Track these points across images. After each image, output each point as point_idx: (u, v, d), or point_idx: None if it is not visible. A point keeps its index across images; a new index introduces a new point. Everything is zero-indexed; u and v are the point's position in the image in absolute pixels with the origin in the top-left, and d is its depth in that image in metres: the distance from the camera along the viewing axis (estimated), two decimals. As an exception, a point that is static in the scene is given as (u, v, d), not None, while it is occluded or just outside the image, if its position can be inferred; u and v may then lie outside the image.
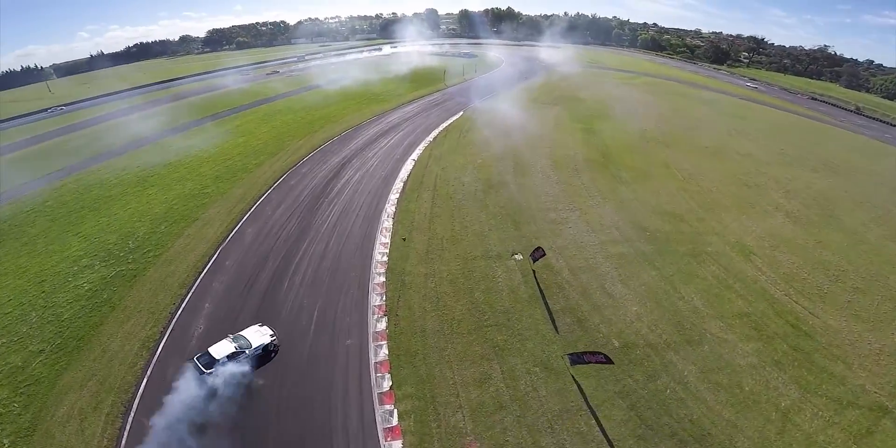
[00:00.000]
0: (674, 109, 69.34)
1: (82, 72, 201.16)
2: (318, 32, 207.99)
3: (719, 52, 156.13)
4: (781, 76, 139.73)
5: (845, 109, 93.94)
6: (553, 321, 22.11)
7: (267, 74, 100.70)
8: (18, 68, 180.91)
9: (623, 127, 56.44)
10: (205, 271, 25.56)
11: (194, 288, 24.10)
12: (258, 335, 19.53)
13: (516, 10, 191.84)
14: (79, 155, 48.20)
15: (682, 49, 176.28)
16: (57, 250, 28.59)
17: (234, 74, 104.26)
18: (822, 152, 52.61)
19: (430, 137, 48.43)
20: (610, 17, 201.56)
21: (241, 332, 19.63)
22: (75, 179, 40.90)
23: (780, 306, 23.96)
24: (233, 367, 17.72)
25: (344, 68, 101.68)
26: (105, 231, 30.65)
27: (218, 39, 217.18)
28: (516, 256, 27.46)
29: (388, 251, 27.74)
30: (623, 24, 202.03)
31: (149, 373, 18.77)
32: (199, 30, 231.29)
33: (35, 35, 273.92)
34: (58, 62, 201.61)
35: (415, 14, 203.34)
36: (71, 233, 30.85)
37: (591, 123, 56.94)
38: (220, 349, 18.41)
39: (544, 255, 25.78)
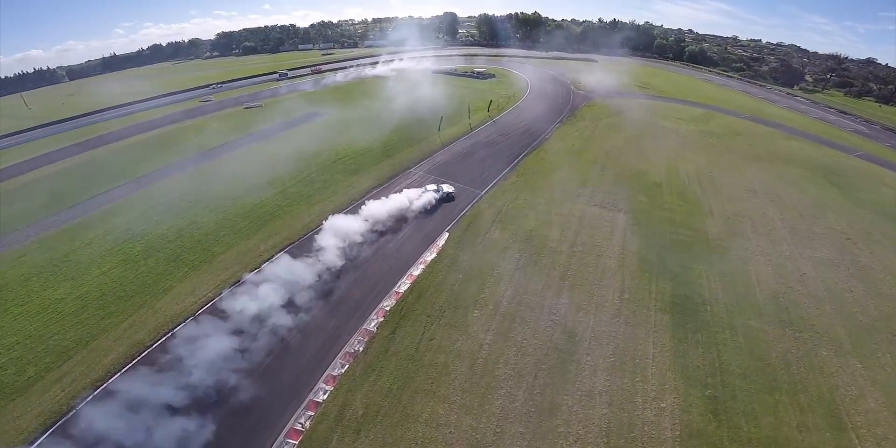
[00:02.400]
0: (801, 212, 38.74)
1: (94, 75, 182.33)
2: (327, 38, 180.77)
3: (791, 72, 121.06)
4: (875, 106, 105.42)
5: None
6: None
7: (208, 111, 74.20)
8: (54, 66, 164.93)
9: (741, 285, 27.77)
10: None
11: None
12: (447, 187, 37.80)
13: (544, 15, 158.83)
14: None
15: (738, 64, 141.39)
16: None
17: (183, 103, 78.99)
18: None
19: (358, 344, 20.85)
20: (642, 23, 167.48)
21: (441, 184, 38.07)
22: None
23: None
24: (431, 193, 36.04)
25: (308, 106, 70.46)
26: None
27: (227, 43, 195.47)
28: None
29: None
30: (666, 31, 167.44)
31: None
32: (228, 29, 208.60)
33: (76, 31, 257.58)
34: (93, 59, 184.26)
35: (433, 17, 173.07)
36: None
37: (685, 281, 27.69)
38: (431, 186, 37.46)
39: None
